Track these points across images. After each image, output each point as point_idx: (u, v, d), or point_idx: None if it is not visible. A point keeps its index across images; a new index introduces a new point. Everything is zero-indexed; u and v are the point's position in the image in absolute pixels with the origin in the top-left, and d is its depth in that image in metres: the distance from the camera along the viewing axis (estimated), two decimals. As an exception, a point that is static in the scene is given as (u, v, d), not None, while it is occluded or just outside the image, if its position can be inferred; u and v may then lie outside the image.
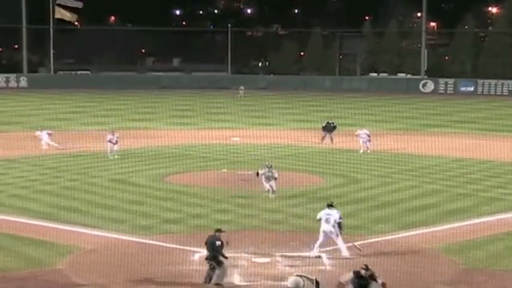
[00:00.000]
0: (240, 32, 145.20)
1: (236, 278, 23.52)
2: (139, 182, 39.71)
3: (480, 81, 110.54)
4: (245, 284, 23.17)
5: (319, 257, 25.44)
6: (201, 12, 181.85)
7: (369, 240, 27.84)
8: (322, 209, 26.60)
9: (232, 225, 29.47)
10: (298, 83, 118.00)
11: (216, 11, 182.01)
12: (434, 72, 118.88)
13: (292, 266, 24.66)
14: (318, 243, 25.81)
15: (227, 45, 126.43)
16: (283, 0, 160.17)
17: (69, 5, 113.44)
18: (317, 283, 18.80)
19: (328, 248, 26.63)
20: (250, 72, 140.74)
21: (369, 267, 18.47)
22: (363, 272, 19.33)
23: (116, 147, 47.28)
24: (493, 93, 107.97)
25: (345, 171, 43.51)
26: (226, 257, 22.91)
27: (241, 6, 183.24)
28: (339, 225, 25.92)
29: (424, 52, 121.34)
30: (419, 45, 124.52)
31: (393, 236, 28.36)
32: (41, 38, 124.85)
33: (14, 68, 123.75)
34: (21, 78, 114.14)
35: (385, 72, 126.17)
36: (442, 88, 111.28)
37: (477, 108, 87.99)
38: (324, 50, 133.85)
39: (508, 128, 65.82)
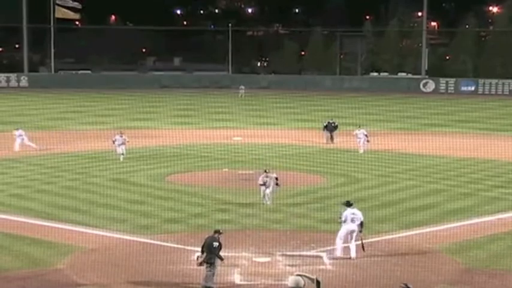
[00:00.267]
0: (241, 32, 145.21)
1: (237, 278, 23.49)
2: (140, 181, 39.69)
3: (481, 81, 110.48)
4: (246, 283, 23.14)
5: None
6: (201, 11, 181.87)
7: (370, 240, 27.75)
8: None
9: (233, 224, 29.47)
10: (299, 82, 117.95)
11: (216, 11, 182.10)
12: (435, 72, 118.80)
13: (292, 265, 24.62)
14: (340, 244, 25.62)
15: (228, 45, 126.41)
16: (284, 0, 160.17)
17: (67, 4, 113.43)
18: (318, 282, 18.71)
19: (328, 248, 26.62)
20: (251, 72, 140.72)
21: (409, 285, 18.19)
22: None
23: (120, 150, 46.13)
24: (494, 92, 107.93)
25: (346, 170, 43.49)
26: (222, 259, 22.80)
27: (242, 6, 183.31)
28: (361, 224, 25.88)
29: (425, 52, 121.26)
30: (420, 44, 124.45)
31: (394, 236, 28.33)
32: (42, 38, 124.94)
33: (14, 67, 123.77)
34: (21, 78, 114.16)
35: (386, 71, 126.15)
36: (443, 88, 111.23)
37: (478, 108, 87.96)
38: (325, 50, 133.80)
39: (509, 127, 65.83)
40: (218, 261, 22.57)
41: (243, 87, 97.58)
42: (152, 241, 27.61)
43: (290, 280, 22.39)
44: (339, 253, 25.57)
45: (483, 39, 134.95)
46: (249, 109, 78.30)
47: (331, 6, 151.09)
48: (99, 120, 68.15)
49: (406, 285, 19.18)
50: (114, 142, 46.55)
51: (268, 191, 33.20)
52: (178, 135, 53.18)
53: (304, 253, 26.12)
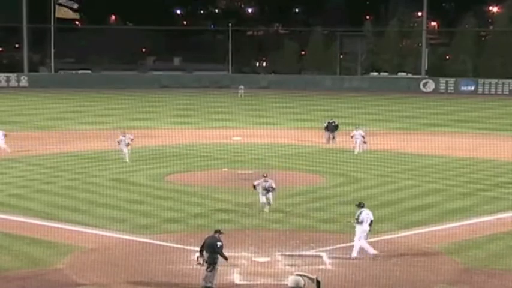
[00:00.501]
0: (241, 32, 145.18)
1: (236, 277, 23.50)
2: (139, 181, 39.70)
3: (481, 81, 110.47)
4: (245, 283, 23.15)
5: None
6: (201, 11, 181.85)
7: (369, 240, 27.76)
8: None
9: (232, 224, 29.48)
10: (298, 82, 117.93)
11: (216, 10, 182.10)
12: (435, 72, 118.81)
13: (292, 265, 24.64)
14: (360, 245, 25.60)
15: (228, 45, 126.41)
16: (284, 0, 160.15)
17: (65, 4, 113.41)
18: (318, 282, 18.73)
19: (328, 248, 26.64)
20: (251, 72, 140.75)
21: None
22: None
23: (125, 150, 45.40)
24: (493, 92, 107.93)
25: (345, 170, 43.50)
26: (226, 258, 22.80)
27: (242, 6, 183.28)
28: (371, 223, 25.92)
29: (425, 51, 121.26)
30: (420, 44, 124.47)
31: (393, 236, 28.33)
32: (42, 37, 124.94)
33: (14, 67, 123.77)
34: (21, 78, 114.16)
35: (385, 71, 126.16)
36: (442, 87, 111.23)
37: (478, 108, 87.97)
38: (325, 50, 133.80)
39: (509, 127, 65.84)
40: (219, 261, 22.57)
41: (242, 87, 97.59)
42: (152, 241, 27.62)
43: (290, 280, 22.41)
44: (374, 251, 25.49)
45: (483, 39, 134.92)
46: (248, 109, 78.31)
47: (331, 6, 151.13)
48: (98, 120, 68.17)
49: None
50: (119, 143, 45.89)
51: (269, 195, 31.98)
52: (178, 135, 53.16)
53: (304, 253, 26.14)
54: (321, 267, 24.60)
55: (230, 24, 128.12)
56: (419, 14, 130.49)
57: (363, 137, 50.06)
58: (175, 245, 26.98)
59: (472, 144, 50.47)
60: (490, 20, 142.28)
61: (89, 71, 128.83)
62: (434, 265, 24.94)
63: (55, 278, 23.53)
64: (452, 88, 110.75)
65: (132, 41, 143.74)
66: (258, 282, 23.20)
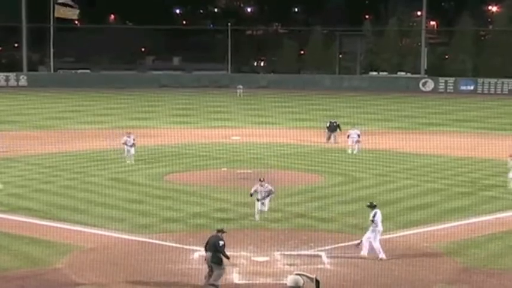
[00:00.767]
0: (240, 31, 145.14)
1: (235, 277, 23.51)
2: (138, 180, 39.70)
3: (480, 80, 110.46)
4: (244, 282, 23.16)
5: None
6: (201, 11, 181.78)
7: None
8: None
9: (231, 223, 29.47)
10: (298, 82, 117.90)
11: (216, 10, 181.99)
12: (434, 71, 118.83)
13: (291, 264, 24.65)
14: (377, 246, 25.60)
15: (227, 44, 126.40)
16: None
17: (66, 2, 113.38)
18: (317, 282, 18.73)
19: (327, 247, 26.66)
20: (251, 71, 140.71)
21: None
22: None
23: (132, 151, 44.90)
24: (493, 92, 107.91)
25: (344, 169, 43.52)
26: (228, 258, 22.82)
27: (241, 5, 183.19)
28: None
29: (424, 51, 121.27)
30: (419, 44, 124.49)
31: (392, 235, 28.31)
32: (41, 37, 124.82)
33: (13, 66, 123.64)
34: (21, 77, 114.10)
35: (385, 71, 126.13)
36: (442, 87, 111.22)
37: (477, 107, 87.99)
38: (324, 49, 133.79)
39: (508, 126, 65.86)
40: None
41: (241, 86, 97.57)
42: (151, 240, 27.63)
43: (289, 279, 22.41)
44: (383, 254, 25.46)
45: (482, 38, 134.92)
46: (247, 108, 78.32)
47: (331, 5, 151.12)
48: (98, 120, 68.14)
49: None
50: (124, 144, 45.29)
51: (266, 201, 30.67)
52: (177, 134, 53.17)
53: (303, 252, 26.15)
54: (320, 266, 24.62)
55: (229, 24, 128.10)
56: (419, 13, 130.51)
57: (358, 136, 50.00)
58: (174, 245, 26.99)
59: (471, 143, 50.46)
60: (489, 20, 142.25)
61: (88, 71, 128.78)
62: (433, 264, 24.95)
63: (54, 278, 23.53)
64: (451, 87, 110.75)
65: (131, 40, 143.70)
66: (257, 282, 23.21)
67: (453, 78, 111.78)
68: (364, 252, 25.55)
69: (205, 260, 22.85)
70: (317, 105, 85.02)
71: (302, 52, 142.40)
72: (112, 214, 31.43)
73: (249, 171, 41.65)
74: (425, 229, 29.34)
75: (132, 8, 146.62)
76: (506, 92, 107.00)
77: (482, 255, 26.09)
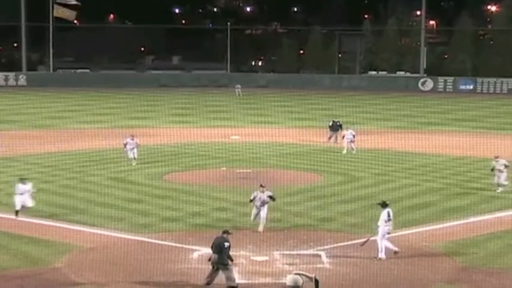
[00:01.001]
0: (240, 30, 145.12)
1: (235, 276, 23.48)
2: (138, 180, 39.69)
3: (479, 80, 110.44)
4: (244, 282, 23.14)
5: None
6: (200, 10, 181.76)
7: (370, 239, 27.79)
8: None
9: (231, 223, 29.45)
10: (297, 81, 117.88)
11: (215, 9, 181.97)
12: (433, 71, 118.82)
13: (291, 264, 24.66)
14: (381, 245, 25.53)
15: (226, 44, 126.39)
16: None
17: (66, 2, 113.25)
18: (316, 281, 18.75)
19: (326, 247, 26.67)
20: (250, 71, 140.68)
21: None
22: None
23: (131, 153, 44.18)
24: (492, 91, 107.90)
25: (344, 169, 43.52)
26: (232, 260, 22.83)
27: (241, 5, 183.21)
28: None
29: (424, 50, 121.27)
30: (418, 43, 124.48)
31: (392, 234, 28.24)
32: (40, 36, 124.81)
33: (13, 66, 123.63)
34: (20, 77, 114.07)
35: (384, 70, 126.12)
36: (441, 86, 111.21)
37: (476, 107, 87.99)
38: (324, 49, 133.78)
39: (507, 125, 65.89)
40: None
41: (239, 86, 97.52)
42: (150, 240, 27.64)
43: (288, 279, 22.43)
44: (383, 254, 25.40)
45: (482, 38, 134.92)
46: (247, 108, 78.34)
47: (330, 5, 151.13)
48: (97, 119, 68.13)
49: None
50: (125, 146, 44.63)
51: (265, 209, 29.08)
52: (177, 133, 53.20)
53: (303, 252, 26.15)
54: (319, 266, 24.62)
55: (229, 23, 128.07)
56: (418, 13, 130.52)
57: (353, 136, 49.91)
58: (173, 244, 26.99)
59: (470, 143, 50.40)
60: (488, 19, 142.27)
61: (88, 70, 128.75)
62: (433, 264, 24.96)
63: (53, 277, 23.54)
64: (450, 87, 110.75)
65: (130, 40, 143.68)
66: (257, 281, 23.21)
67: (452, 78, 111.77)
68: (381, 254, 25.44)
69: (209, 260, 22.80)
70: (316, 105, 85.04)
71: (301, 52, 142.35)
72: (111, 213, 31.44)
73: (248, 170, 41.69)
74: (425, 228, 29.34)
75: (131, 8, 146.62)
76: (506, 92, 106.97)
77: (482, 255, 26.10)
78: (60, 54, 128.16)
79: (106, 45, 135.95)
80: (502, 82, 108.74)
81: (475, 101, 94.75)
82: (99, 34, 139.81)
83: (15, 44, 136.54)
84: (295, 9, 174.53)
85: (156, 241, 27.41)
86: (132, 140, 44.63)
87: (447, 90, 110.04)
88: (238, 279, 23.17)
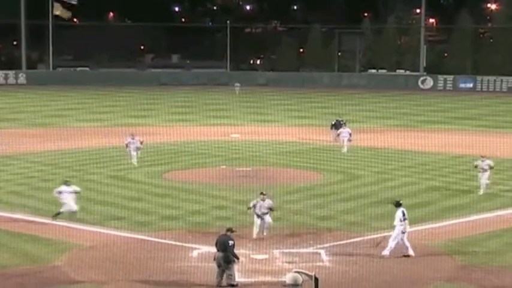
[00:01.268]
0: (239, 29, 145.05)
1: (236, 274, 23.48)
2: (137, 178, 39.69)
3: (479, 78, 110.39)
4: (244, 280, 23.14)
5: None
6: (200, 8, 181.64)
7: (368, 237, 27.84)
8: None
9: (231, 221, 29.42)
10: (297, 79, 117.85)
11: (215, 8, 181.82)
12: (433, 69, 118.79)
13: (290, 262, 24.68)
14: (392, 244, 25.55)
15: (226, 42, 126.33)
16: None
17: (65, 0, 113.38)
18: (316, 279, 18.79)
19: (326, 245, 26.67)
20: (250, 69, 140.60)
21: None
22: None
23: (135, 153, 43.41)
24: (492, 89, 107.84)
25: (344, 167, 43.51)
26: (238, 258, 22.82)
27: (241, 3, 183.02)
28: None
29: (423, 48, 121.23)
30: (418, 41, 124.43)
31: (392, 233, 28.27)
32: (40, 35, 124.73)
33: (12, 64, 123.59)
34: (20, 75, 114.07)
35: (384, 68, 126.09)
36: (441, 85, 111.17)
37: (476, 105, 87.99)
38: (324, 47, 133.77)
39: (507, 124, 65.87)
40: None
41: (238, 84, 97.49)
42: (150, 238, 27.65)
43: (288, 277, 22.56)
44: (388, 252, 25.40)
45: (481, 36, 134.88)
46: (246, 106, 78.32)
47: (330, 3, 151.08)
48: (97, 117, 68.15)
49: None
50: (127, 146, 43.75)
51: (267, 217, 27.87)
52: (176, 132, 53.21)
53: (302, 250, 26.16)
54: (319, 264, 24.63)
55: (228, 22, 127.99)
56: (418, 11, 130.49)
57: (350, 134, 49.82)
58: (173, 243, 26.99)
59: (470, 141, 50.46)
60: (488, 17, 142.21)
61: (87, 68, 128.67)
62: (433, 262, 24.97)
63: (53, 275, 23.55)
64: (450, 85, 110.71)
65: (130, 38, 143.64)
66: (256, 280, 23.22)
67: (452, 76, 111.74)
68: (410, 251, 25.43)
69: (214, 259, 22.80)
70: (316, 103, 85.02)
71: (301, 50, 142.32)
72: (111, 212, 31.45)
73: (248, 168, 41.69)
74: (425, 227, 29.30)
75: (131, 6, 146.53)
76: (505, 90, 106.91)
77: (482, 253, 26.10)
78: (59, 52, 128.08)
79: (106, 44, 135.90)
80: (501, 80, 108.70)
81: (475, 99, 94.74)
82: (98, 32, 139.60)
83: (14, 42, 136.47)
84: (295, 7, 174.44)
85: (156, 239, 27.42)
86: (133, 139, 43.85)
87: (447, 88, 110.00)
88: (237, 277, 23.17)
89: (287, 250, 26.08)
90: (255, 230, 27.58)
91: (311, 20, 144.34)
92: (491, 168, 36.37)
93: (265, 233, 27.71)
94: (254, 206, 27.89)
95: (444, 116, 74.03)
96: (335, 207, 32.83)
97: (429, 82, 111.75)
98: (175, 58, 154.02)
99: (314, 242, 27.01)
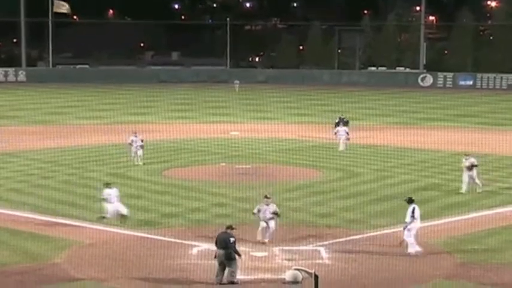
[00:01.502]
0: (239, 26, 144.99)
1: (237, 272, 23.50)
2: (137, 176, 39.69)
3: (479, 75, 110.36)
4: (243, 277, 23.13)
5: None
6: (200, 5, 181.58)
7: (368, 234, 27.88)
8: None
9: (230, 219, 29.44)
10: (297, 77, 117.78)
11: (214, 5, 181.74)
12: (433, 66, 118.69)
13: (290, 259, 24.69)
14: (412, 240, 25.51)
15: (226, 39, 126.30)
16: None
17: None
18: (315, 277, 18.80)
19: (326, 242, 26.68)
20: (249, 66, 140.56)
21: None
22: None
23: (140, 152, 42.64)
24: (492, 87, 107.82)
25: (344, 165, 43.53)
26: (240, 255, 22.83)
27: (240, 0, 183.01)
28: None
29: (423, 46, 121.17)
30: (418, 39, 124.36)
31: (392, 230, 28.34)
32: (40, 32, 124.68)
33: (12, 62, 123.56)
34: (19, 72, 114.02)
35: (383, 66, 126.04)
36: (441, 82, 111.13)
37: (476, 102, 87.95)
38: (324, 44, 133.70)
39: (507, 121, 65.87)
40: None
41: (237, 81, 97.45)
42: (150, 235, 27.66)
43: (288, 274, 22.60)
44: (416, 249, 25.35)
45: (481, 33, 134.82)
46: (246, 103, 78.28)
47: (330, 0, 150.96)
48: (96, 115, 68.14)
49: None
50: (130, 144, 42.94)
51: (272, 223, 26.97)
52: (176, 129, 53.17)
53: (302, 247, 26.17)
54: (318, 261, 24.64)
55: (228, 19, 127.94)
56: (418, 8, 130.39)
57: (347, 133, 49.74)
58: (173, 240, 27.01)
59: (470, 138, 50.51)
60: (488, 15, 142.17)
61: (87, 66, 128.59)
62: (432, 259, 24.98)
63: (53, 273, 23.56)
64: (450, 83, 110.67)
65: (130, 35, 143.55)
66: (256, 277, 23.22)
67: (452, 73, 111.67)
68: (416, 248, 25.43)
69: (215, 257, 22.79)
70: (316, 101, 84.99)
71: (301, 47, 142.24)
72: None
73: (247, 166, 41.70)
74: (424, 224, 29.21)
75: (130, 3, 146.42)
76: (505, 87, 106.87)
77: (481, 250, 26.12)
78: (59, 50, 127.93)
79: (105, 41, 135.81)
80: (501, 78, 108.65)
81: (475, 97, 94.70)
82: (98, 30, 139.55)
83: (14, 40, 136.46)
84: (295, 4, 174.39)
85: (156, 237, 27.43)
86: (136, 137, 43.02)
87: (447, 85, 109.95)
88: (237, 274, 23.19)
89: (287, 247, 26.08)
90: (260, 234, 26.81)
91: (311, 17, 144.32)
92: (474, 166, 35.73)
93: (267, 239, 26.70)
94: (259, 211, 27.07)
95: (444, 113, 74.03)
96: (334, 204, 32.84)
97: (429, 79, 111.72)
98: (175, 55, 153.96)
99: (314, 239, 27.02)
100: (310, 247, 26.23)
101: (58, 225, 29.02)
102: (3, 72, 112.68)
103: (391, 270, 23.86)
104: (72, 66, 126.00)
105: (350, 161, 44.90)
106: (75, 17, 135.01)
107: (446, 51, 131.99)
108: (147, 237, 27.42)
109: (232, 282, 22.52)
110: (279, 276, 22.82)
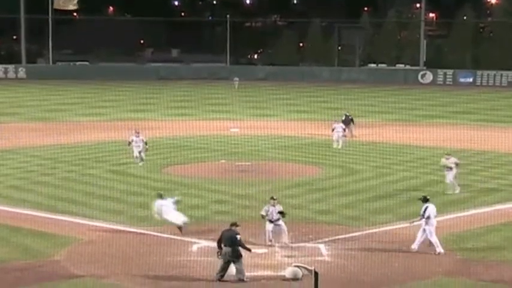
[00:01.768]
0: (239, 23, 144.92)
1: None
2: (137, 173, 39.69)
3: (479, 72, 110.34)
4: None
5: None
6: (199, 2, 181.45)
7: (368, 231, 27.89)
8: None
9: (230, 216, 29.44)
10: (296, 74, 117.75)
11: (214, 2, 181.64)
12: (433, 63, 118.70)
13: (290, 256, 24.70)
14: (435, 240, 25.43)
15: (226, 36, 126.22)
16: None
17: None
18: (315, 273, 18.80)
19: (326, 239, 26.69)
20: (249, 63, 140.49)
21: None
22: None
23: (143, 154, 41.48)
24: (492, 84, 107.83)
25: (343, 162, 43.51)
26: (250, 250, 22.79)
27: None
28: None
29: (423, 43, 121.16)
30: (418, 36, 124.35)
31: (391, 227, 28.37)
32: (40, 29, 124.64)
33: (12, 58, 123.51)
34: (19, 69, 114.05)
35: (383, 63, 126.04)
36: (440, 79, 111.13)
37: (476, 99, 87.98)
38: (323, 41, 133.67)
39: (507, 118, 65.89)
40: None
41: (237, 78, 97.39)
42: (149, 232, 27.66)
43: (288, 271, 22.62)
44: (440, 249, 25.28)
45: (481, 30, 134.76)
46: (246, 100, 78.28)
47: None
48: (96, 112, 68.15)
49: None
50: (129, 144, 41.71)
51: (281, 226, 26.20)
52: (176, 126, 53.17)
53: (302, 244, 26.16)
54: (318, 258, 24.65)
55: (228, 16, 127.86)
56: (418, 5, 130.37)
57: (344, 130, 49.69)
58: (173, 237, 27.01)
59: (470, 135, 50.45)
60: (488, 12, 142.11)
61: (87, 63, 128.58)
62: (432, 256, 24.98)
63: (53, 270, 23.56)
64: (450, 80, 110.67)
65: (130, 32, 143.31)
66: (256, 274, 23.21)
67: (452, 70, 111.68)
68: (415, 246, 25.42)
69: (219, 255, 22.71)
70: (316, 98, 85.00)
71: (301, 44, 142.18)
72: (111, 206, 31.45)
73: (247, 163, 41.70)
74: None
75: (130, 0, 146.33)
76: (505, 84, 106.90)
77: (481, 247, 26.13)
78: (59, 46, 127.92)
79: (105, 38, 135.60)
80: (501, 75, 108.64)
81: (475, 94, 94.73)
82: (98, 27, 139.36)
83: (14, 37, 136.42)
84: (295, 1, 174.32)
85: (156, 234, 27.43)
86: (138, 136, 41.47)
87: (447, 82, 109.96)
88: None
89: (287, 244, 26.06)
90: (268, 237, 26.21)
91: (311, 14, 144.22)
92: (457, 165, 35.29)
93: (286, 240, 25.96)
94: (267, 213, 26.35)
95: (444, 110, 74.02)
96: (334, 201, 32.85)
97: (429, 76, 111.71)
98: (174, 52, 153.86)
99: (314, 236, 27.02)
100: (310, 244, 26.24)
101: (58, 222, 29.03)
102: (3, 69, 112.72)
103: (391, 266, 23.86)
104: (72, 63, 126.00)
105: (350, 158, 44.90)
106: (75, 14, 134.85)
107: (446, 48, 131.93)
108: (147, 234, 27.43)
109: (242, 280, 22.46)
110: (279, 273, 22.83)
